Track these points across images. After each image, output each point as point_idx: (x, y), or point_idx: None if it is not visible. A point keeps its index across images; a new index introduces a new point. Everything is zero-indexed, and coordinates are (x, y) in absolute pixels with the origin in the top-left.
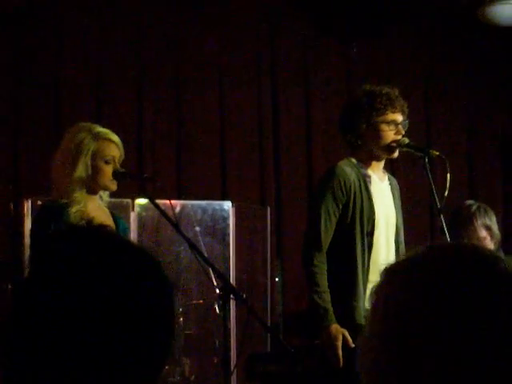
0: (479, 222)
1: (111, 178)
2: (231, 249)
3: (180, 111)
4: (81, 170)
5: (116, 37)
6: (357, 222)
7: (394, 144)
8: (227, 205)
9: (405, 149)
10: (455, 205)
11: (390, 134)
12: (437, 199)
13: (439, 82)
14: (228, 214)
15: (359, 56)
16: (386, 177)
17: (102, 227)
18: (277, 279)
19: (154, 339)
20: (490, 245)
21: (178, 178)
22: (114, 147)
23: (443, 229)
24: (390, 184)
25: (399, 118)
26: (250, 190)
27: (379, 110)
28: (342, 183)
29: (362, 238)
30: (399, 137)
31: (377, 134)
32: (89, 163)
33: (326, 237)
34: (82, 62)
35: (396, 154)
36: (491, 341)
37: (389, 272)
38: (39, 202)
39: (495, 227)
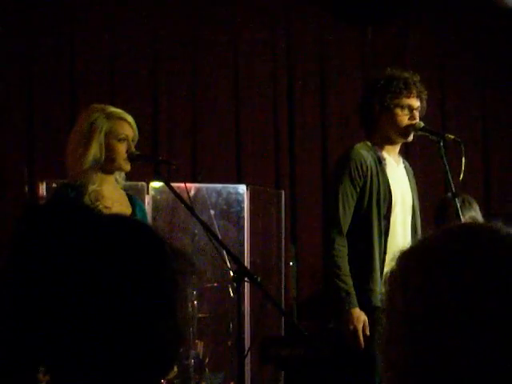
0: (466, 216)
1: (125, 157)
2: (246, 232)
3: (195, 95)
4: (95, 150)
5: (131, 23)
6: (373, 205)
7: (409, 128)
8: (242, 188)
9: (420, 132)
10: (467, 189)
11: (403, 119)
12: (452, 183)
13: (454, 67)
14: (243, 198)
15: (374, 42)
16: (400, 160)
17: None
18: (291, 263)
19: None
20: None
21: (193, 161)
22: (127, 126)
23: (458, 212)
24: (405, 167)
25: (415, 103)
26: (265, 173)
27: (394, 94)
28: (359, 165)
29: (379, 221)
30: (414, 122)
31: (391, 118)
32: (102, 142)
33: (345, 220)
34: (97, 46)
35: (411, 138)
36: None
37: (404, 257)
38: (54, 185)
39: (480, 217)
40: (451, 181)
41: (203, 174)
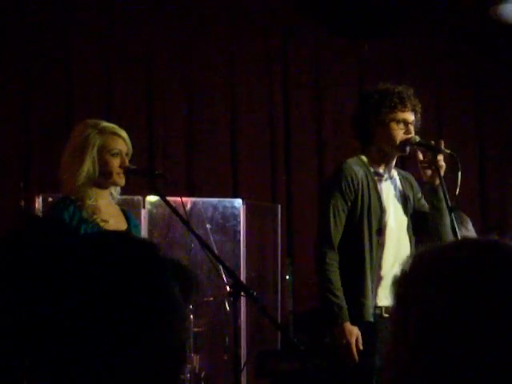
0: (458, 234)
1: (119, 171)
2: (242, 246)
3: (191, 108)
4: (88, 165)
5: (127, 34)
6: (364, 220)
7: (405, 142)
8: (238, 202)
9: (416, 147)
10: (463, 203)
11: (399, 133)
12: (448, 197)
13: (450, 79)
14: (239, 212)
15: (370, 55)
16: (396, 173)
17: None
18: (287, 277)
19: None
20: None
21: (189, 176)
22: (121, 141)
23: (454, 227)
24: (401, 180)
25: (410, 117)
26: (261, 187)
27: (388, 108)
28: (350, 180)
29: (370, 236)
30: (409, 136)
31: (386, 132)
32: (95, 158)
33: (336, 234)
34: (93, 60)
35: (407, 151)
36: None
37: (420, 262)
38: (50, 199)
39: (473, 234)
40: (447, 195)
41: (198, 190)
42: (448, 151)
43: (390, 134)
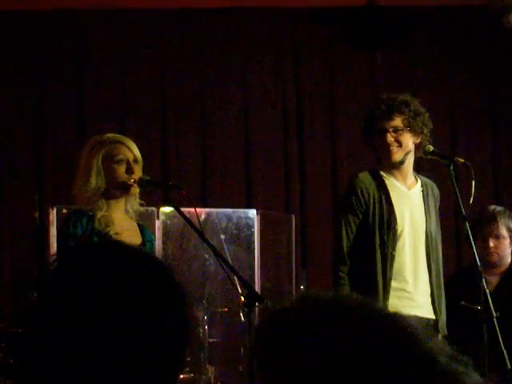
0: (502, 220)
1: (126, 177)
2: (256, 257)
3: (204, 120)
4: (95, 178)
5: (140, 49)
6: (376, 233)
7: (388, 151)
8: (252, 213)
9: (430, 156)
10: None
11: (382, 142)
12: (462, 206)
13: (463, 89)
14: (253, 222)
15: (384, 65)
16: (417, 183)
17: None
18: (302, 287)
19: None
20: (507, 248)
21: (203, 186)
22: (124, 148)
23: (468, 236)
24: (423, 191)
25: (386, 125)
26: (275, 197)
27: (371, 121)
28: (360, 194)
29: (382, 249)
30: (394, 144)
31: (377, 144)
32: (101, 169)
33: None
34: (107, 74)
35: (397, 158)
36: None
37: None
38: (64, 211)
39: None
40: (461, 204)
41: (212, 201)
42: (462, 160)
43: (378, 145)
